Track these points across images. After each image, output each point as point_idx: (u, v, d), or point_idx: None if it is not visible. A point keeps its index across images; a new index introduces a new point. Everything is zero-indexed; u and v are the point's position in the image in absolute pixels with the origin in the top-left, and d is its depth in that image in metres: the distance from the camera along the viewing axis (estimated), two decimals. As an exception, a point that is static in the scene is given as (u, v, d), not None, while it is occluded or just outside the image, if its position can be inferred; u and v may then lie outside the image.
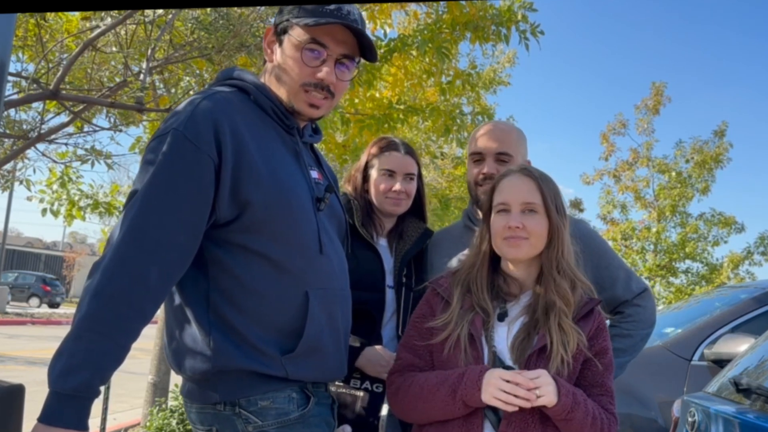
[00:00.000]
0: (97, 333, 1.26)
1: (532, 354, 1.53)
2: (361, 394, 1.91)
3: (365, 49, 1.55)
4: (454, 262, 1.99)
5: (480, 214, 2.05)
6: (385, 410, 1.89)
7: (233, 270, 1.41)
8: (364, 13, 1.58)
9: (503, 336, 1.59)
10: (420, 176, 2.18)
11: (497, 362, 1.54)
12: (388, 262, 2.08)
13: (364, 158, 2.18)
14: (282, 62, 1.53)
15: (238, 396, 1.41)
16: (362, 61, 1.61)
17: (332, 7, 1.48)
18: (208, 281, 1.42)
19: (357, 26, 1.50)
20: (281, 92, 1.54)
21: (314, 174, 1.58)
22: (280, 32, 1.53)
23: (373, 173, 2.12)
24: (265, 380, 1.42)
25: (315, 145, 1.72)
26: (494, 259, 1.67)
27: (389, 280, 2.06)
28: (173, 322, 1.48)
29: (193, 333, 1.42)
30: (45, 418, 1.23)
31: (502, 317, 1.61)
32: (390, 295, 2.05)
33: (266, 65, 1.60)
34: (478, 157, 2.03)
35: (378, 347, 1.92)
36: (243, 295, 1.41)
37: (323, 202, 1.54)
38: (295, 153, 1.55)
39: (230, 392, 1.41)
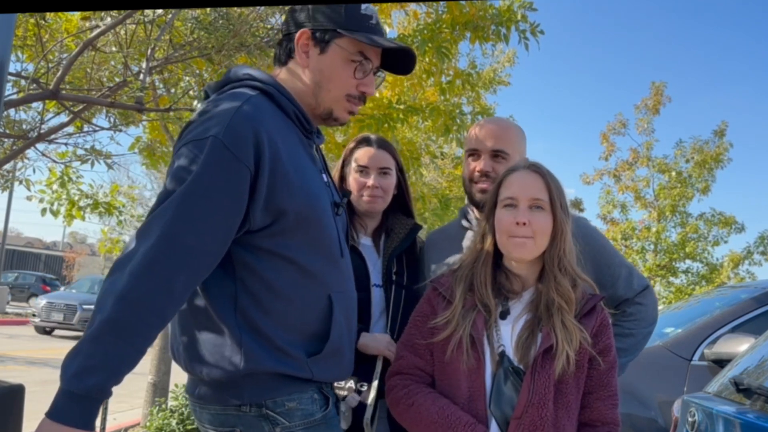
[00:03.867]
0: (117, 337, 1.25)
1: (537, 356, 1.52)
2: (345, 393, 1.91)
3: (396, 62, 1.63)
4: (452, 261, 1.98)
5: (476, 211, 2.05)
6: (369, 407, 1.88)
7: (262, 274, 1.42)
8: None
9: (508, 335, 1.58)
10: (402, 171, 2.15)
11: (505, 362, 1.54)
12: (374, 261, 2.06)
13: (342, 158, 2.16)
14: (324, 69, 1.53)
15: (265, 398, 1.42)
16: None
17: (374, 21, 1.54)
18: (235, 284, 1.42)
19: (410, 50, 1.60)
20: (318, 98, 1.55)
21: (325, 178, 1.60)
22: (320, 39, 1.53)
23: (349, 172, 2.10)
24: (290, 381, 1.43)
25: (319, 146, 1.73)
26: (496, 256, 1.66)
27: (376, 278, 2.04)
28: (193, 323, 1.46)
29: (221, 335, 1.41)
30: (54, 414, 1.22)
31: (504, 315, 1.60)
32: (377, 293, 2.03)
33: (283, 69, 1.58)
34: (474, 153, 2.01)
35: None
36: (271, 299, 1.42)
37: (341, 207, 1.57)
38: (312, 157, 1.56)
39: (257, 394, 1.41)
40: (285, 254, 1.43)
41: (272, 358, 1.40)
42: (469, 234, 2.02)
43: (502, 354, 1.55)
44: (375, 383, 1.89)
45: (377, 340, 1.93)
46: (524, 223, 1.57)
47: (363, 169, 2.06)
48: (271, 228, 1.42)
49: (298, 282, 1.44)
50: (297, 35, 1.53)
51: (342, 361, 1.53)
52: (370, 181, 2.04)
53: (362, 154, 2.08)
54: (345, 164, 2.13)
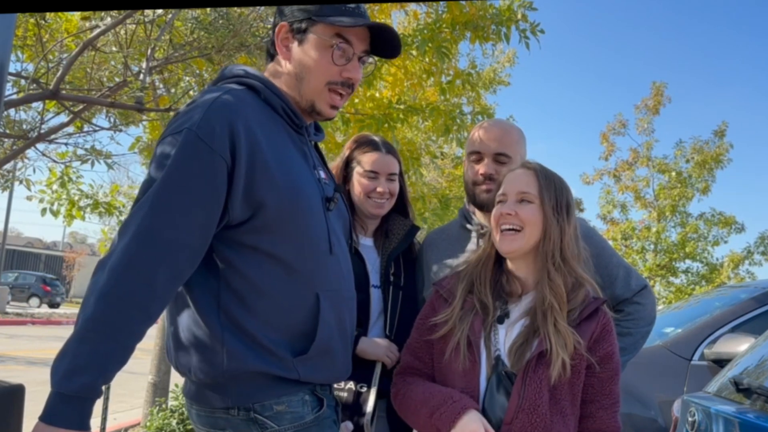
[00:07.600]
0: (102, 334, 1.25)
1: (530, 360, 1.51)
2: (345, 394, 1.90)
3: (381, 45, 1.57)
4: (452, 262, 1.98)
5: (478, 213, 2.05)
6: (369, 408, 1.89)
7: (244, 271, 1.40)
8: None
9: (502, 340, 1.58)
10: (401, 173, 2.14)
11: (500, 366, 1.54)
12: (373, 262, 2.05)
13: (344, 156, 2.12)
14: (304, 60, 1.51)
15: (252, 401, 1.39)
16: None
17: (352, 5, 1.49)
18: (218, 282, 1.41)
19: (389, 28, 1.52)
20: (301, 90, 1.53)
21: (321, 173, 1.57)
22: (297, 30, 1.51)
23: (354, 174, 2.07)
24: (278, 383, 1.40)
25: (319, 144, 1.71)
26: (499, 258, 1.67)
27: (374, 279, 2.03)
28: (180, 322, 1.45)
29: (204, 335, 1.40)
30: (47, 417, 1.22)
31: (501, 319, 1.60)
32: (376, 294, 2.02)
33: (271, 65, 1.58)
34: (476, 157, 2.01)
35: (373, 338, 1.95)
36: (254, 297, 1.40)
37: (333, 202, 1.53)
38: (304, 153, 1.53)
39: (244, 397, 1.39)
40: (268, 250, 1.41)
41: (257, 358, 1.38)
42: (475, 237, 2.03)
43: (498, 358, 1.55)
44: (374, 389, 1.89)
45: (376, 346, 1.92)
46: (509, 214, 1.59)
47: (373, 174, 2.03)
48: (252, 222, 1.40)
49: (283, 279, 1.41)
50: (276, 30, 1.53)
51: (334, 362, 1.49)
52: (380, 188, 2.02)
53: (371, 159, 2.05)
54: (348, 165, 2.10)
